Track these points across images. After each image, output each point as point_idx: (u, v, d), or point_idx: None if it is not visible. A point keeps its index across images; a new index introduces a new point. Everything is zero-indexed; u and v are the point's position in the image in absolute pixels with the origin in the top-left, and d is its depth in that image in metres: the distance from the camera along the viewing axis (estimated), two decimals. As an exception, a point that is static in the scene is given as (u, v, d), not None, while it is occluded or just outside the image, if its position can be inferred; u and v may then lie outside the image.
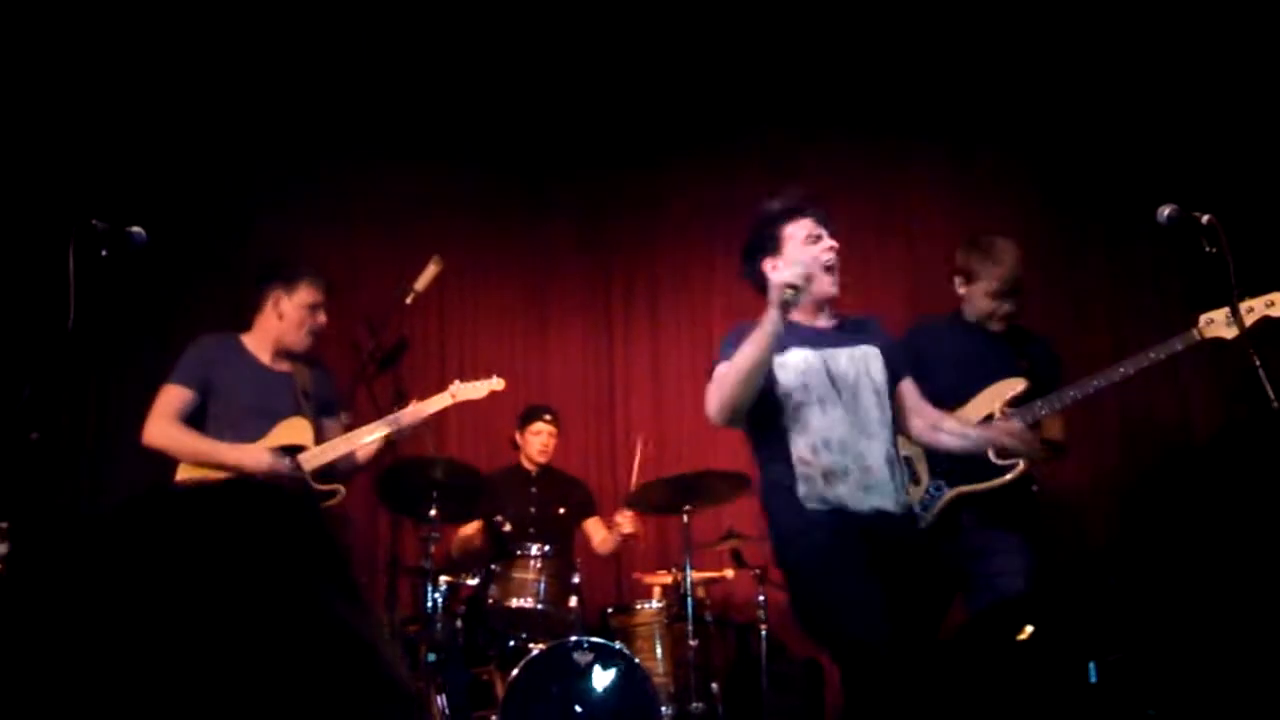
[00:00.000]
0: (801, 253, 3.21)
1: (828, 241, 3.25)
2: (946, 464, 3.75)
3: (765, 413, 3.12)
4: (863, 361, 3.19)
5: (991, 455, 3.64)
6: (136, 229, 3.16)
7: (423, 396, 4.28)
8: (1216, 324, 3.49)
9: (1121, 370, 3.62)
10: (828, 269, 3.22)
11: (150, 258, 3.38)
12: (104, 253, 3.04)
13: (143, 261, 3.31)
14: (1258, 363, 3.02)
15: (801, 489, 3.05)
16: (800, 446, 3.08)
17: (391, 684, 0.89)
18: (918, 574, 3.09)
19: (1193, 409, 5.08)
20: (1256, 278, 3.38)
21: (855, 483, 3.04)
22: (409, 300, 4.49)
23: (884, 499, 3.05)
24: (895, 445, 3.18)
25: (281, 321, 4.05)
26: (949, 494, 3.77)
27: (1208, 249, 3.05)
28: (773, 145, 6.42)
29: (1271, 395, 2.95)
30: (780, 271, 3.07)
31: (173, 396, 3.92)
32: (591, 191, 6.90)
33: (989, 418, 3.75)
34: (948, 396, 3.76)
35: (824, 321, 3.30)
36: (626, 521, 5.28)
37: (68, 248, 3.00)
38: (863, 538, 2.98)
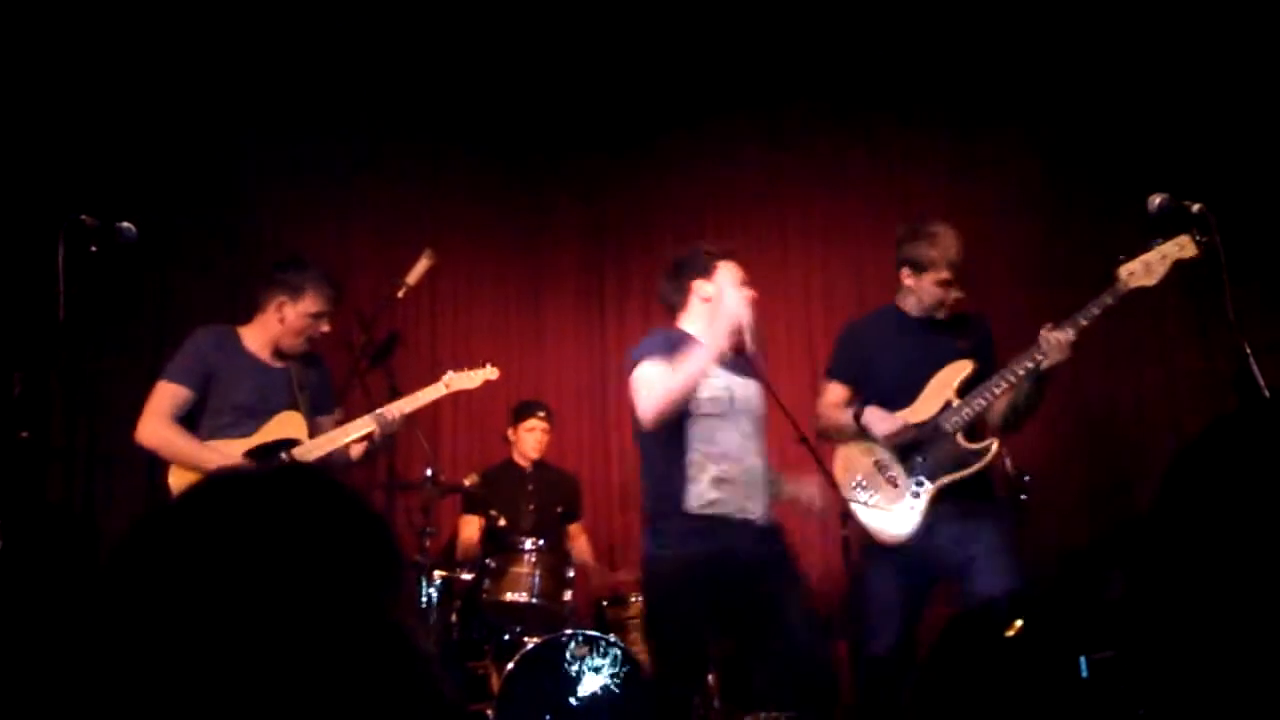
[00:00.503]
0: (730, 288, 3.56)
1: (750, 291, 3.59)
2: (919, 459, 3.79)
3: (678, 421, 3.48)
4: (756, 393, 3.64)
5: (961, 440, 3.74)
6: (126, 224, 3.14)
7: (415, 389, 4.25)
8: (1137, 274, 3.47)
9: (1057, 336, 3.59)
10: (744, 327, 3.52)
11: (141, 253, 3.36)
12: (94, 248, 3.02)
13: (133, 257, 3.29)
14: (1248, 350, 3.02)
15: (690, 492, 3.46)
16: (698, 455, 3.48)
17: (439, 696, 0.88)
18: (773, 573, 3.54)
19: (1181, 402, 5.07)
20: (1249, 265, 3.38)
21: (740, 491, 3.50)
22: (401, 294, 4.48)
23: (757, 507, 3.53)
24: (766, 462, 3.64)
25: (282, 325, 4.01)
26: (932, 487, 3.77)
27: (1199, 238, 3.06)
28: (769, 130, 6.42)
29: (1262, 384, 2.95)
30: (729, 305, 3.44)
31: (168, 394, 3.86)
32: (585, 183, 6.90)
33: (946, 407, 3.79)
34: (898, 395, 3.84)
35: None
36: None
37: (57, 243, 2.99)
38: (730, 540, 3.44)
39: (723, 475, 3.48)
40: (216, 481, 0.95)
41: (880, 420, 3.80)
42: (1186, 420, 4.92)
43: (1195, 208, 3.08)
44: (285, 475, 0.96)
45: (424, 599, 4.71)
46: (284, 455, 3.88)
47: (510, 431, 5.68)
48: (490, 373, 4.51)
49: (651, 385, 3.47)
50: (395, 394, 4.29)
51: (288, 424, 3.96)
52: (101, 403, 4.77)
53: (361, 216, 6.34)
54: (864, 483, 3.89)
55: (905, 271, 3.97)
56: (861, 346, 4.05)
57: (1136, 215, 3.84)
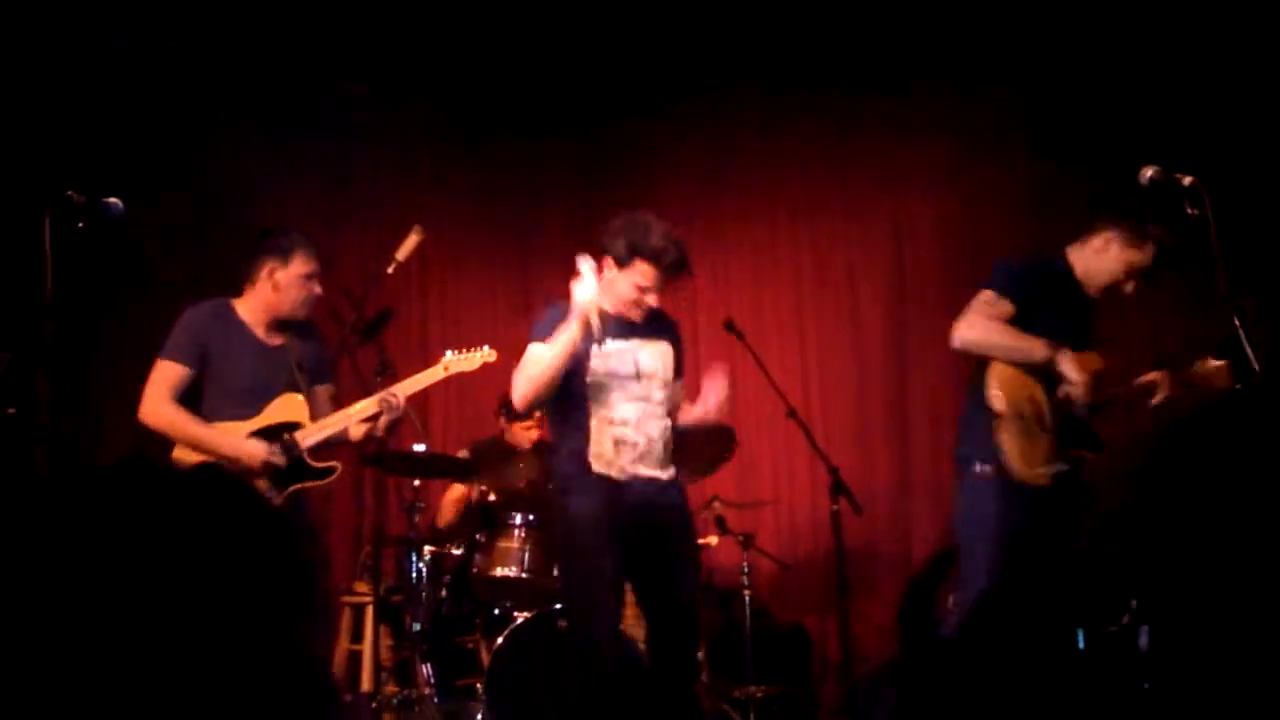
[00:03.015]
0: (623, 289, 3.65)
1: (648, 301, 3.67)
2: (1066, 423, 3.75)
3: (575, 390, 3.64)
4: (661, 357, 3.72)
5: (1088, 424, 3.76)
6: (113, 200, 3.11)
7: (405, 365, 4.26)
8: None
9: None
10: (635, 305, 3.68)
11: (128, 229, 3.34)
12: (80, 225, 2.99)
13: (120, 233, 3.27)
14: (1238, 323, 3.01)
15: (592, 453, 3.60)
16: (599, 420, 3.63)
17: (333, 691, 0.88)
18: (672, 530, 3.70)
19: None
20: (1239, 239, 3.37)
21: (638, 454, 3.62)
22: (390, 270, 4.47)
23: (653, 468, 3.65)
24: (671, 426, 3.75)
25: (277, 292, 3.92)
26: (1066, 451, 3.74)
27: (1190, 210, 3.05)
28: (759, 108, 6.40)
29: (1253, 360, 2.95)
30: (585, 293, 3.51)
31: (168, 373, 3.81)
32: (573, 159, 6.88)
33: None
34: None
35: (637, 316, 3.72)
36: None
37: (43, 220, 2.96)
38: (630, 500, 3.58)
39: (620, 438, 3.62)
40: (140, 473, 0.94)
41: (1077, 369, 3.64)
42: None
43: (1186, 181, 3.07)
44: (207, 482, 0.95)
45: (414, 574, 4.72)
46: (286, 438, 3.84)
47: (503, 422, 5.65)
48: (489, 355, 4.44)
49: (522, 369, 3.68)
50: (386, 369, 4.28)
51: (288, 406, 3.91)
52: (89, 379, 4.75)
53: (350, 193, 6.31)
54: (1025, 410, 3.71)
55: (1111, 236, 3.79)
56: (1040, 286, 3.81)
57: (1129, 185, 3.83)
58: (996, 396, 3.69)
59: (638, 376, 3.67)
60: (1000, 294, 3.74)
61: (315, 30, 5.85)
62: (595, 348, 3.62)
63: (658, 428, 3.69)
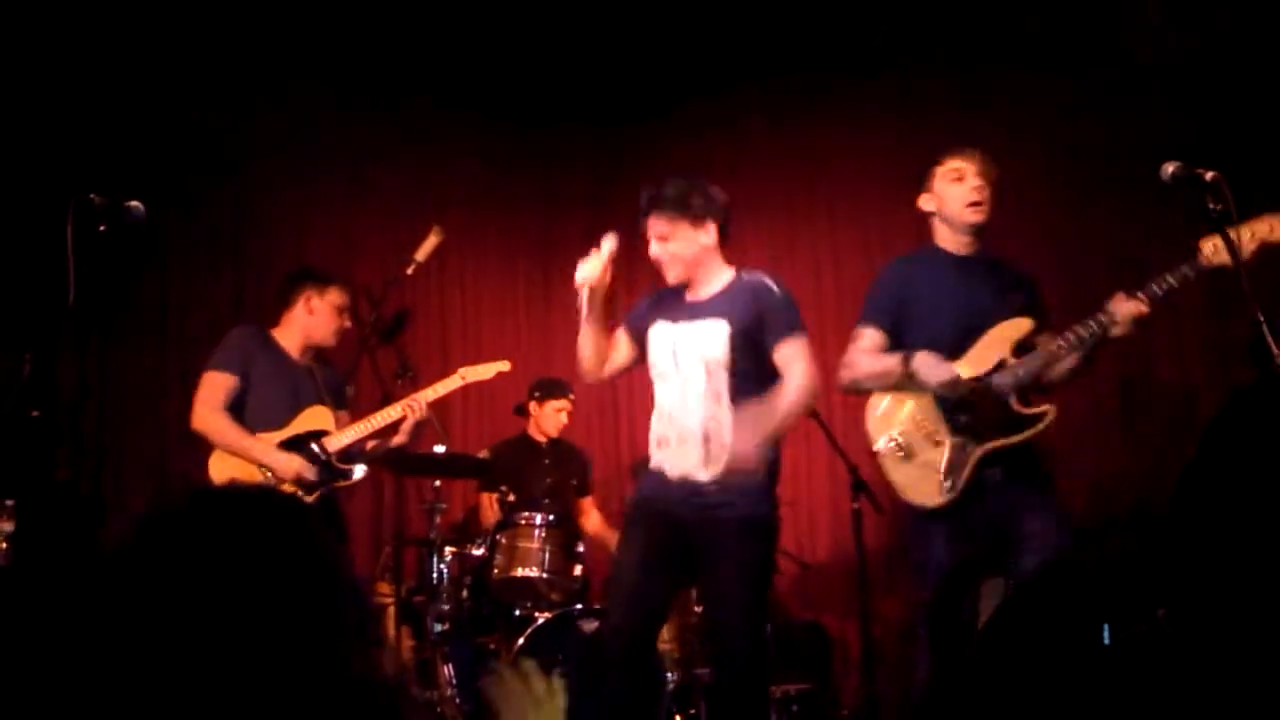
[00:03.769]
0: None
1: (660, 256, 3.58)
2: (963, 418, 3.47)
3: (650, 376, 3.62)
4: (706, 338, 3.48)
5: (1014, 403, 3.45)
6: (135, 203, 3.12)
7: (425, 366, 4.40)
8: (1220, 250, 3.17)
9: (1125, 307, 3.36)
10: (664, 267, 3.59)
11: (150, 231, 3.35)
12: (102, 228, 3.01)
13: (142, 236, 3.28)
14: (1261, 319, 2.96)
15: (650, 447, 3.57)
16: (655, 409, 3.57)
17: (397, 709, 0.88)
18: (695, 540, 3.43)
19: (1192, 374, 5.02)
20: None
21: (671, 450, 3.47)
22: (409, 271, 4.54)
23: (689, 466, 3.43)
24: (718, 416, 3.43)
25: (312, 317, 4.31)
26: (978, 450, 3.44)
27: (1213, 206, 3.01)
28: (777, 101, 6.38)
29: (1276, 353, 2.90)
30: (581, 270, 3.51)
31: (218, 383, 4.15)
32: (593, 157, 6.87)
33: (1000, 364, 3.49)
34: (948, 346, 3.53)
35: (694, 294, 3.60)
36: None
37: (66, 223, 2.97)
38: (665, 503, 3.45)
39: (660, 435, 3.53)
40: (204, 498, 0.94)
41: (934, 367, 3.45)
42: (1200, 397, 4.88)
43: (1209, 176, 3.03)
44: (267, 505, 0.95)
45: (435, 574, 4.73)
46: (314, 445, 4.18)
47: (534, 406, 5.65)
48: (502, 365, 4.75)
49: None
50: (405, 370, 4.53)
51: (317, 417, 4.26)
52: (112, 382, 4.78)
53: (369, 193, 6.32)
54: (900, 439, 3.54)
55: (924, 197, 3.67)
56: (904, 286, 3.65)
57: (1151, 181, 3.78)
58: (868, 435, 3.61)
59: (675, 364, 3.50)
60: (862, 324, 3.65)
61: (333, 31, 5.87)
62: (648, 333, 3.59)
63: (698, 418, 3.42)
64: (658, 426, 3.54)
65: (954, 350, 3.51)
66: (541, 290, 6.86)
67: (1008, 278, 3.64)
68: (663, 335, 3.56)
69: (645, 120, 6.70)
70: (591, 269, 3.49)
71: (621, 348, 3.69)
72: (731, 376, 3.44)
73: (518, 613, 4.74)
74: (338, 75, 6.05)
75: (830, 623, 5.67)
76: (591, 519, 5.61)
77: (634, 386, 6.46)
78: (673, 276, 3.59)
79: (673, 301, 3.60)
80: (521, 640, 4.39)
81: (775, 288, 3.55)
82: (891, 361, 3.55)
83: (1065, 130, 5.39)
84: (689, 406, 3.46)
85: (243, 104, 5.71)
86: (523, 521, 4.77)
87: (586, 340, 3.59)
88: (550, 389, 5.61)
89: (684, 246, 3.53)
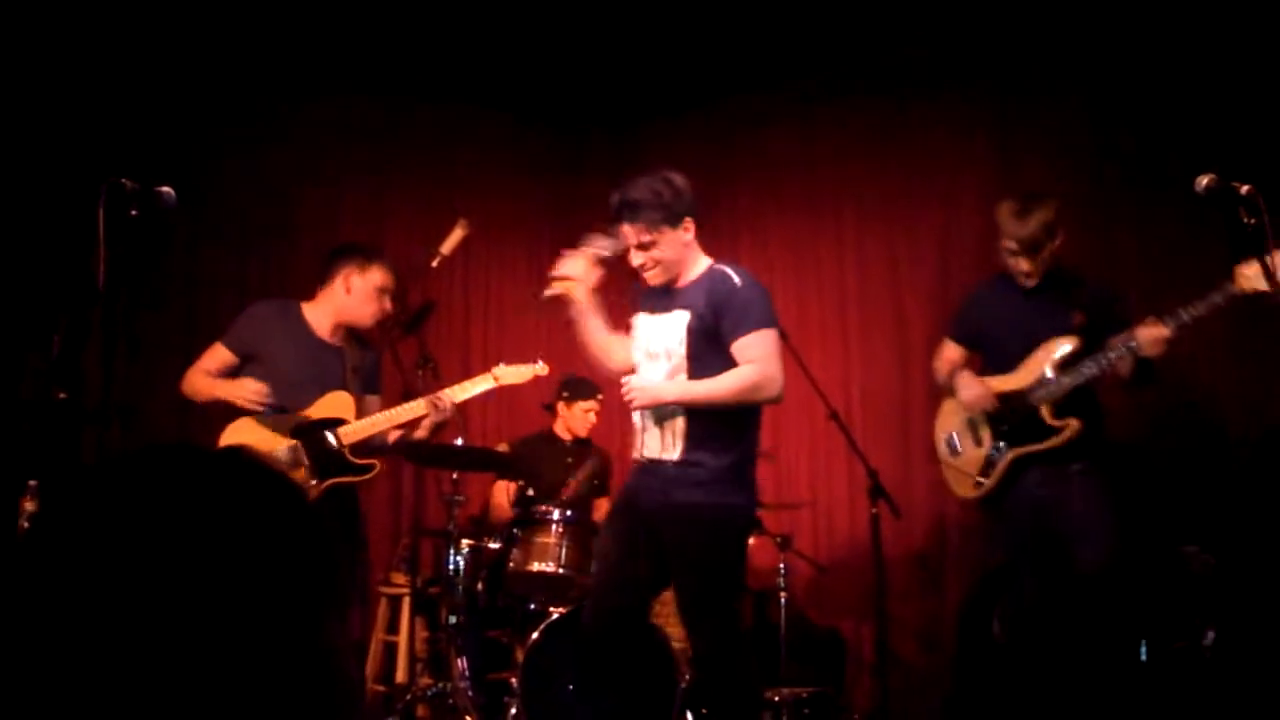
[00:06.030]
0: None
1: (636, 261, 3.60)
2: (1004, 426, 3.99)
3: None
4: (669, 329, 3.57)
5: (1045, 414, 3.89)
6: (166, 188, 3.14)
7: (446, 359, 4.33)
8: (1254, 277, 3.30)
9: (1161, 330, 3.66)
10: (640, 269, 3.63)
11: (180, 217, 3.37)
12: (134, 212, 3.02)
13: (173, 220, 3.30)
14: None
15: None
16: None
17: (351, 682, 0.87)
18: (658, 519, 3.55)
19: (1224, 402, 4.92)
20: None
21: (644, 439, 3.61)
22: (435, 264, 4.51)
23: (656, 449, 3.57)
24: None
25: (349, 296, 4.12)
26: (1009, 455, 3.97)
27: (1247, 220, 2.99)
28: (801, 101, 6.35)
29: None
30: (563, 267, 3.64)
31: (215, 353, 4.08)
32: (619, 154, 6.86)
33: (1040, 380, 3.93)
34: (1008, 361, 4.04)
35: (675, 285, 3.65)
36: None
37: (97, 207, 2.99)
38: (643, 492, 3.60)
39: (637, 425, 3.66)
40: (156, 452, 0.92)
41: (966, 386, 4.07)
42: (1231, 426, 4.81)
43: (1244, 189, 3.00)
44: (233, 464, 0.92)
45: (451, 567, 4.74)
46: (328, 434, 3.99)
47: (562, 406, 5.65)
48: (540, 368, 4.60)
49: None
50: (427, 362, 4.42)
51: (337, 403, 4.06)
52: (139, 364, 4.81)
53: (396, 185, 6.34)
54: (954, 440, 4.17)
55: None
56: (976, 307, 4.26)
57: (1173, 202, 3.77)
58: (934, 430, 4.28)
59: (646, 354, 3.65)
60: (946, 340, 4.30)
61: (361, 27, 5.88)
62: (634, 324, 3.71)
63: (665, 410, 3.53)
64: (635, 416, 3.66)
65: (1014, 363, 4.00)
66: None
67: (1073, 298, 3.96)
68: (641, 326, 3.69)
69: (670, 121, 6.69)
70: (570, 267, 3.64)
71: (628, 342, 3.81)
72: (690, 363, 3.53)
73: (532, 607, 4.75)
74: (368, 68, 6.06)
75: (845, 626, 5.66)
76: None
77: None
78: (657, 281, 3.63)
79: (656, 293, 3.69)
80: (535, 635, 4.39)
81: (737, 280, 3.57)
82: (946, 374, 4.20)
83: (1093, 140, 5.35)
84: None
85: (272, 93, 5.73)
86: (540, 517, 4.77)
87: (589, 338, 3.76)
88: (580, 389, 5.60)
89: (668, 250, 3.57)
